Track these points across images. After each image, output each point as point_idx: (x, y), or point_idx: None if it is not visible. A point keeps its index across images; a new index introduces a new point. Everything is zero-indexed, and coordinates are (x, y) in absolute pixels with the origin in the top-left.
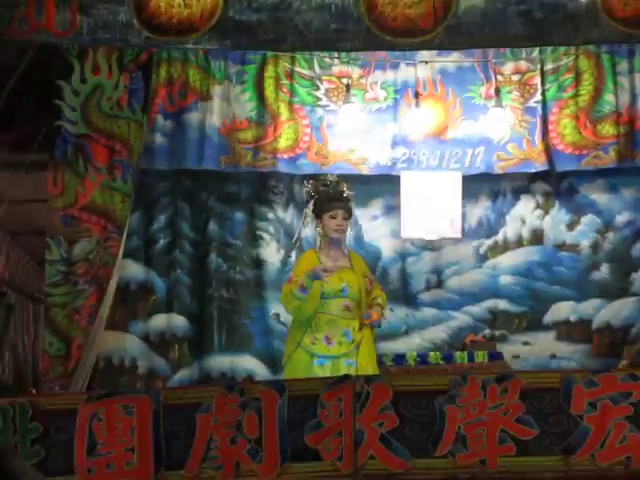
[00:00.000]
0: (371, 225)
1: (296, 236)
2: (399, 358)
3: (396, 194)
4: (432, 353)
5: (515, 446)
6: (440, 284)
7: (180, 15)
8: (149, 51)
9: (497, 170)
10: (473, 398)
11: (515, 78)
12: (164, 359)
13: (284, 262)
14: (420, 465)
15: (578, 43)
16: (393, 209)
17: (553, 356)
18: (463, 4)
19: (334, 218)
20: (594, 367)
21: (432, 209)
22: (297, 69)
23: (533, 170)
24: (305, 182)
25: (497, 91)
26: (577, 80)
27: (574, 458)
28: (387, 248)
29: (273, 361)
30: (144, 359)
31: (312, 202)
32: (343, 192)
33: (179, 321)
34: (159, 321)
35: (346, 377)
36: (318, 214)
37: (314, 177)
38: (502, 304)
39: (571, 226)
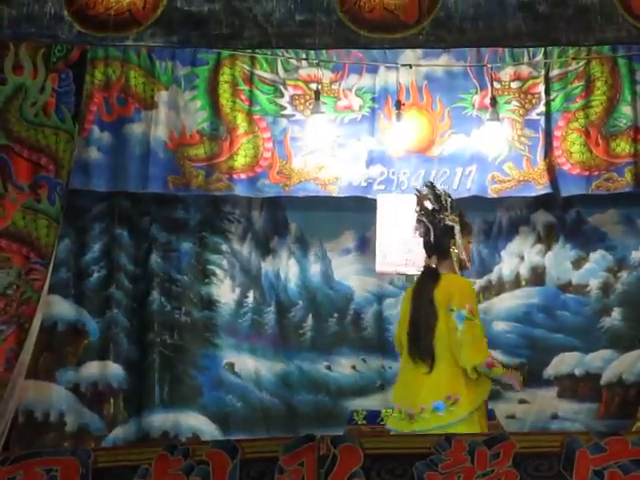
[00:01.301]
0: (342, 260)
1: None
2: (372, 416)
3: (371, 223)
4: None
5: None
6: None
7: (119, 6)
8: (82, 48)
9: (491, 194)
10: (458, 464)
11: (515, 85)
12: (97, 415)
13: (240, 303)
14: None
15: (590, 44)
16: (368, 241)
17: (554, 416)
18: None
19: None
20: (602, 429)
21: (413, 240)
22: (257, 72)
23: (534, 194)
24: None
25: (493, 101)
26: (588, 89)
27: None
28: (360, 288)
29: (224, 419)
30: (73, 414)
31: (458, 216)
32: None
33: (115, 370)
34: (91, 369)
35: (308, 437)
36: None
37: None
38: (495, 355)
39: (578, 264)
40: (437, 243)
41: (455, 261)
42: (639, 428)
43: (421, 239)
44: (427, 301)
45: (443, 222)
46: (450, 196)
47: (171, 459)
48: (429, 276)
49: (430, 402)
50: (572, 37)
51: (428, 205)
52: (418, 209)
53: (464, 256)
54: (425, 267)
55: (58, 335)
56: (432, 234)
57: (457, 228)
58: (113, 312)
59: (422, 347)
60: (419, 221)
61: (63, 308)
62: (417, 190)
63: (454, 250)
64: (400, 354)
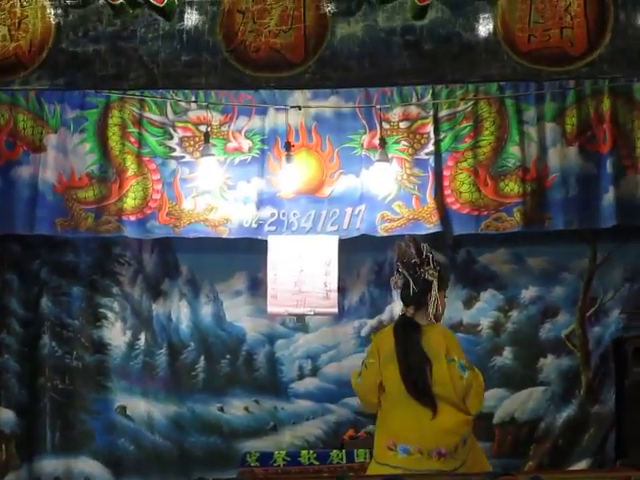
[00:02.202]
0: (233, 302)
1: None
2: (265, 458)
3: (262, 264)
4: (304, 452)
5: None
6: (315, 371)
7: (5, 50)
8: None
9: (381, 232)
10: None
11: (404, 126)
12: None
13: (131, 345)
14: None
15: (475, 80)
16: (259, 282)
17: None
18: (338, 32)
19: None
20: (494, 468)
21: (304, 280)
22: (146, 114)
23: (423, 232)
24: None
25: (382, 141)
26: (476, 129)
27: None
28: (252, 329)
29: (117, 463)
30: None
31: (437, 270)
32: None
33: (6, 415)
34: None
35: None
36: (440, 288)
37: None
38: None
39: (469, 303)
40: (416, 295)
41: (431, 312)
42: (531, 467)
43: (313, 281)
44: (417, 349)
45: (423, 276)
46: (431, 252)
47: None
48: (411, 326)
49: (444, 445)
50: (458, 75)
51: (410, 258)
52: (399, 261)
53: (440, 309)
54: (403, 317)
55: None
56: (412, 286)
57: (435, 283)
58: (4, 357)
59: (421, 392)
60: (399, 272)
61: None
62: (398, 242)
63: (431, 302)
64: (376, 399)
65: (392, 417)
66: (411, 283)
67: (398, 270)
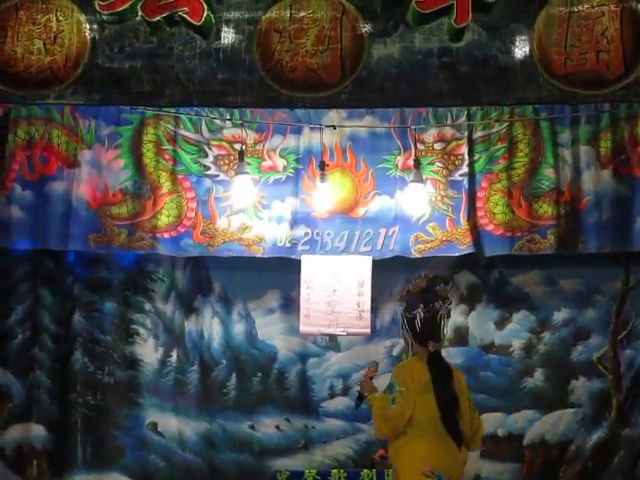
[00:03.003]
0: (266, 320)
1: None
2: (296, 476)
3: (295, 283)
4: (335, 471)
5: None
6: (346, 391)
7: (40, 64)
8: (4, 106)
9: (414, 254)
10: None
11: (438, 147)
12: (20, 477)
13: (163, 362)
14: None
15: (511, 103)
16: (292, 301)
17: (477, 477)
18: (375, 54)
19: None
20: None
21: (337, 300)
22: (181, 132)
23: (457, 254)
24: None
25: (417, 162)
26: (511, 151)
27: None
28: (284, 347)
29: (148, 479)
30: None
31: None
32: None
33: (38, 431)
34: (15, 432)
35: None
36: None
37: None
38: None
39: (501, 324)
40: (437, 330)
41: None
42: None
43: (346, 301)
44: (450, 384)
45: (443, 311)
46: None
47: None
48: (442, 360)
49: (462, 477)
50: (493, 97)
51: (431, 294)
52: (418, 296)
53: None
54: (435, 351)
55: None
56: (437, 322)
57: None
58: (36, 373)
59: (454, 425)
60: (420, 308)
61: None
62: (443, 283)
63: (445, 337)
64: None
65: (422, 445)
66: (438, 319)
67: (416, 305)
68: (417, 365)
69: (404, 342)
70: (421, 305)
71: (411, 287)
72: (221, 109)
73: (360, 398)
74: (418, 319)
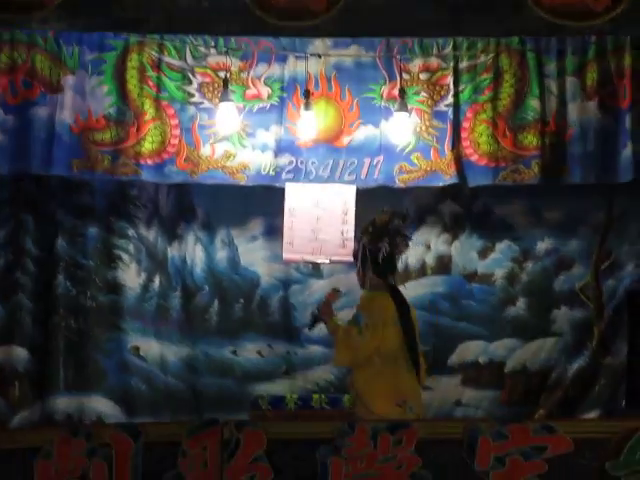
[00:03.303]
0: (249, 247)
1: None
2: (277, 401)
3: (279, 210)
4: (316, 396)
5: None
6: None
7: None
8: None
9: (399, 183)
10: (361, 449)
11: (424, 77)
12: (2, 398)
13: (145, 287)
14: None
15: (498, 34)
16: (275, 229)
17: (458, 403)
18: None
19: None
20: (504, 417)
21: (321, 228)
22: (166, 59)
23: (441, 184)
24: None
25: (402, 92)
26: (496, 81)
27: None
28: (267, 274)
29: (129, 402)
30: None
31: None
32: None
33: (20, 354)
34: None
35: (212, 421)
36: None
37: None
38: None
39: (484, 253)
40: (394, 264)
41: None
42: (541, 416)
43: (329, 229)
44: (412, 321)
45: (401, 246)
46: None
47: (74, 441)
48: (404, 298)
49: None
50: (480, 28)
51: (394, 228)
52: (384, 229)
53: None
54: (394, 285)
55: None
56: (399, 257)
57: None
58: (18, 296)
59: (415, 355)
60: (384, 241)
61: None
62: (403, 219)
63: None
64: (374, 359)
65: (393, 376)
66: (397, 253)
67: (381, 239)
68: (381, 297)
69: (358, 274)
70: (385, 239)
71: (377, 221)
72: (205, 36)
73: (315, 320)
74: (382, 252)
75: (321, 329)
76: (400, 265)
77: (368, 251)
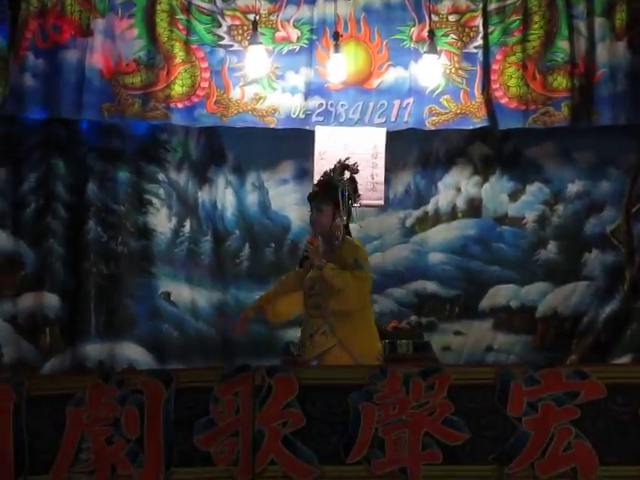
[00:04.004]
0: (279, 191)
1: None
2: None
3: (309, 154)
4: None
5: (441, 453)
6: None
7: None
8: None
9: (429, 126)
10: (393, 395)
11: (453, 19)
12: (33, 345)
13: (176, 232)
14: (330, 473)
15: None
16: (305, 172)
17: (489, 348)
18: None
19: (310, 211)
20: (536, 362)
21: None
22: (195, 2)
23: (471, 127)
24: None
25: (431, 33)
26: (525, 23)
27: (510, 468)
28: (297, 218)
29: (160, 348)
30: (10, 345)
31: None
32: (329, 181)
33: (51, 300)
34: (28, 301)
35: (244, 367)
36: None
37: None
38: (431, 286)
39: (514, 196)
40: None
41: None
42: (573, 361)
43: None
44: None
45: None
46: None
47: (105, 387)
48: None
49: None
50: None
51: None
52: (353, 181)
53: None
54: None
55: None
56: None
57: None
58: (49, 242)
59: None
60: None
61: (0, 239)
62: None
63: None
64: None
65: (375, 328)
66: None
67: (357, 190)
68: (358, 242)
69: (340, 220)
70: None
71: (354, 173)
72: None
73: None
74: (357, 203)
75: None
76: (430, 208)
77: (353, 200)
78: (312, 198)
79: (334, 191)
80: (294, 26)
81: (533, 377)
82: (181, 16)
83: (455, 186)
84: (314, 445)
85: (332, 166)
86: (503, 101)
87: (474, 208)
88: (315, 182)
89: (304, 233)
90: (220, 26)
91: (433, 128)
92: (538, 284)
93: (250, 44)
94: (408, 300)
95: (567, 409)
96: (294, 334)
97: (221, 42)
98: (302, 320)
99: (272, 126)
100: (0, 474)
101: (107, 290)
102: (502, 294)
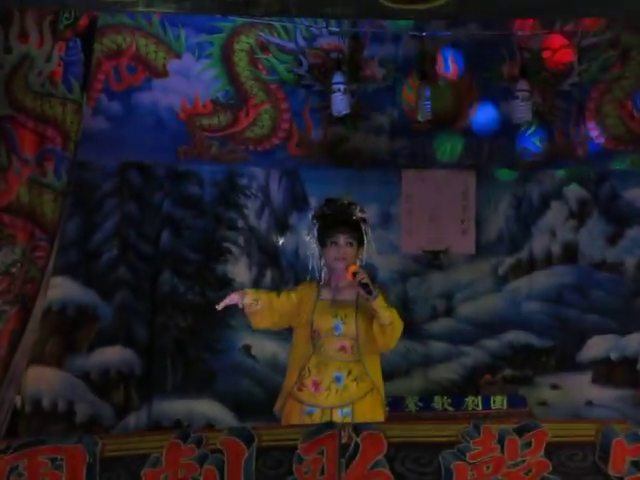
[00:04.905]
0: None
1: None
2: (397, 402)
3: (395, 197)
4: (438, 397)
5: None
6: (450, 311)
7: None
8: (91, 15)
9: (521, 167)
10: (487, 453)
11: (546, 55)
12: (107, 403)
13: (256, 282)
14: None
15: (621, 16)
16: (391, 217)
17: (588, 403)
18: None
19: (334, 245)
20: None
21: (440, 216)
22: (275, 40)
23: (565, 167)
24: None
25: (523, 70)
26: (623, 59)
27: None
28: (384, 266)
29: (240, 405)
30: (83, 403)
31: (315, 229)
32: (352, 214)
33: (126, 355)
34: (102, 355)
35: (330, 425)
36: (321, 242)
37: (328, 200)
38: (526, 337)
39: (613, 240)
40: None
41: None
42: None
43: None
44: None
45: None
46: None
47: (183, 447)
48: None
49: None
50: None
51: None
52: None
53: None
54: None
55: (67, 319)
56: None
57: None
58: (123, 294)
59: None
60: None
61: (72, 290)
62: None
63: None
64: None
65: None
66: None
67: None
68: None
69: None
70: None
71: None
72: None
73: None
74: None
75: (443, 323)
76: (524, 254)
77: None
78: (335, 227)
79: (360, 228)
80: (379, 64)
81: (636, 434)
82: (261, 55)
83: (550, 230)
84: None
85: (347, 199)
86: (599, 141)
87: (570, 254)
88: (328, 207)
89: (393, 282)
90: (301, 65)
91: (526, 170)
92: (639, 334)
93: (333, 84)
94: (502, 352)
95: None
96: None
97: (302, 82)
98: (296, 358)
99: (356, 169)
100: None
101: (184, 344)
102: (601, 345)
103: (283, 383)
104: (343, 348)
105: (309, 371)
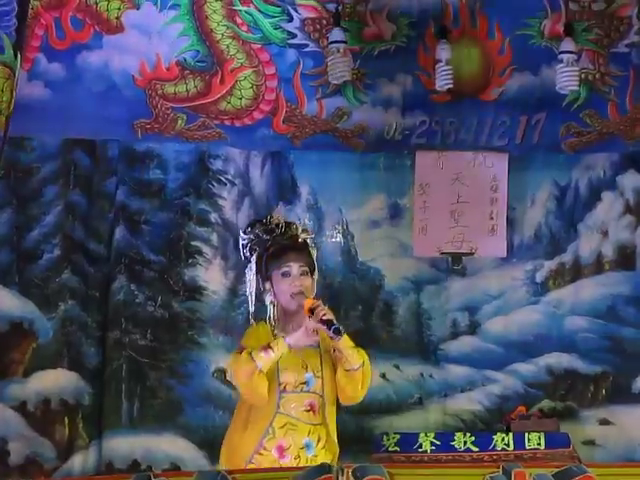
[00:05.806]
0: (368, 236)
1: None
2: (409, 441)
3: (407, 187)
4: (459, 434)
5: None
6: (474, 328)
7: None
8: None
9: (565, 149)
10: None
11: (597, 7)
12: (48, 440)
13: (234, 290)
14: None
15: None
16: (402, 211)
17: None
18: None
19: (287, 277)
20: None
21: (463, 210)
22: None
23: (621, 150)
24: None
25: (569, 27)
26: None
27: None
28: (392, 272)
29: (212, 443)
30: (18, 440)
31: (254, 257)
32: (298, 237)
33: (71, 380)
34: (41, 381)
35: (324, 467)
36: (265, 274)
37: (256, 221)
38: (569, 361)
39: None
40: None
41: None
42: None
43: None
44: None
45: None
46: None
47: None
48: None
49: None
50: None
51: None
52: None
53: None
54: None
55: None
56: None
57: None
58: (67, 304)
59: None
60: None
61: (5, 301)
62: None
63: None
64: None
65: None
66: None
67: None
68: None
69: None
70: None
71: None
72: None
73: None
74: None
75: (465, 343)
76: (568, 257)
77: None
78: (284, 253)
79: (309, 252)
80: (388, 19)
81: None
82: (240, 7)
83: (600, 229)
84: None
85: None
86: None
87: (626, 257)
88: (264, 231)
89: (401, 291)
90: (291, 20)
91: (572, 152)
92: None
93: (330, 43)
94: (539, 379)
95: None
96: (389, 423)
97: (292, 41)
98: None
99: (359, 151)
100: None
101: (143, 367)
102: None
103: (229, 443)
104: (312, 407)
105: (273, 433)
